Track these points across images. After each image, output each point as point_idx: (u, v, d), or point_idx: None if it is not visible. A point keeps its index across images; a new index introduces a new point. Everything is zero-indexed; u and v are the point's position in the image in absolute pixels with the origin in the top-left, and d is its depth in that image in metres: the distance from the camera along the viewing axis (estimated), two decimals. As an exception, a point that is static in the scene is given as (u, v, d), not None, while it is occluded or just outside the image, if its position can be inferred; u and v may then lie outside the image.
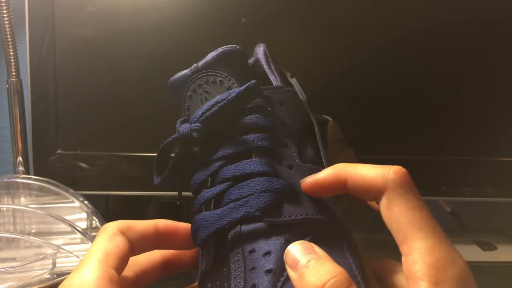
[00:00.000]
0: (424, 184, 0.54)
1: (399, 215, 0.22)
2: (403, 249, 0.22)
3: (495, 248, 0.59)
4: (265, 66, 0.30)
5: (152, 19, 0.53)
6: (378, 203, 0.23)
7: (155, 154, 0.56)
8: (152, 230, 0.27)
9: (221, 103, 0.26)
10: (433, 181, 0.54)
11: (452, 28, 0.53)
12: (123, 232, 0.25)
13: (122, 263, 0.24)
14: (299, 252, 0.21)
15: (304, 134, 0.29)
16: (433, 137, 0.54)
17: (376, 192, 0.23)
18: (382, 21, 0.53)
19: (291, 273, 0.21)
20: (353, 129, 0.54)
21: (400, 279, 0.24)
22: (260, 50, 0.32)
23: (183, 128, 0.27)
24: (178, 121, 0.29)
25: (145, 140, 0.54)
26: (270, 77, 0.31)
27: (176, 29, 0.53)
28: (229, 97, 0.26)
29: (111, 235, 0.25)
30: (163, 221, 0.27)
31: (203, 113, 0.27)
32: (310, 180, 0.25)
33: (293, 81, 0.34)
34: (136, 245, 0.26)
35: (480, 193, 0.54)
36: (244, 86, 0.26)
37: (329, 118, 0.32)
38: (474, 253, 0.57)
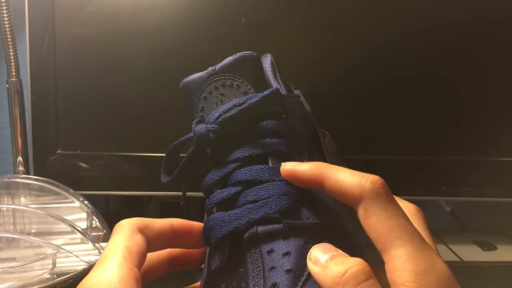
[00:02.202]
0: (424, 184, 0.54)
1: (377, 225, 0.22)
2: (384, 257, 0.22)
3: (495, 248, 0.59)
4: (271, 76, 0.31)
5: (152, 19, 0.53)
6: (355, 209, 0.23)
7: (155, 154, 0.57)
8: (168, 229, 0.26)
9: (241, 107, 0.27)
10: (433, 181, 0.54)
11: (452, 28, 0.53)
12: (141, 230, 0.25)
13: (142, 261, 0.24)
14: (322, 251, 0.22)
15: (311, 143, 0.30)
16: (433, 137, 0.54)
17: (352, 200, 0.23)
18: (382, 21, 0.53)
19: (314, 268, 0.22)
20: (353, 129, 0.55)
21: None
22: (267, 60, 0.32)
23: (199, 128, 0.27)
24: (194, 122, 0.29)
25: (145, 140, 0.54)
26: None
27: (176, 29, 0.53)
28: (250, 101, 0.27)
29: (130, 232, 0.24)
30: (178, 220, 0.27)
31: (220, 115, 0.27)
32: (289, 167, 0.25)
33: (297, 92, 0.34)
34: (153, 243, 0.25)
35: (480, 193, 0.54)
36: (267, 92, 0.27)
37: (326, 132, 0.33)
38: (474, 253, 0.57)
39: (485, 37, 0.53)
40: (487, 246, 0.59)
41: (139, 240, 0.24)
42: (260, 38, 0.53)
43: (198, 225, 0.28)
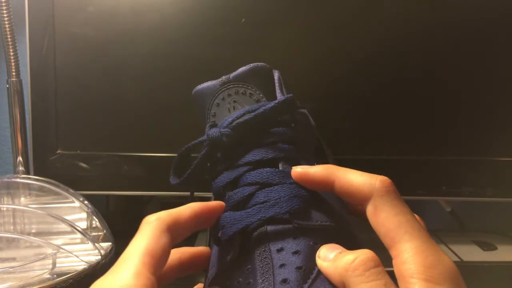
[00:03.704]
0: (424, 184, 0.54)
1: (386, 220, 0.23)
2: (392, 252, 0.22)
3: (495, 248, 0.59)
4: (278, 91, 0.32)
5: (152, 19, 0.53)
6: (363, 208, 0.24)
7: (155, 154, 0.57)
8: (193, 217, 0.25)
9: (255, 112, 0.28)
10: (433, 181, 0.54)
11: (452, 28, 0.53)
12: (170, 229, 0.23)
13: (163, 265, 0.23)
14: (331, 249, 0.23)
15: (316, 154, 0.31)
16: (433, 137, 0.54)
17: (361, 198, 0.24)
18: (383, 21, 0.53)
19: (324, 263, 0.23)
20: (353, 129, 0.55)
21: None
22: (275, 76, 0.33)
23: (213, 132, 0.28)
24: (207, 126, 0.30)
25: (145, 140, 0.54)
26: None
27: (176, 29, 0.53)
28: (264, 107, 0.28)
29: (158, 232, 0.23)
30: (197, 205, 0.26)
31: (233, 120, 0.28)
32: (300, 170, 0.26)
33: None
34: (176, 238, 0.24)
35: (480, 193, 0.54)
36: (282, 98, 0.28)
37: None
38: (474, 253, 0.57)
39: (485, 37, 0.53)
40: (487, 246, 0.59)
41: (165, 243, 0.23)
42: (260, 38, 0.53)
43: (214, 203, 0.27)
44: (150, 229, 0.23)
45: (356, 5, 0.52)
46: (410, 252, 0.21)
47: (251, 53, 0.53)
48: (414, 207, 0.25)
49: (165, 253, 0.23)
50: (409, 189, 0.54)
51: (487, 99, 0.54)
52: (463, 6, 0.52)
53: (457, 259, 0.54)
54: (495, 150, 0.54)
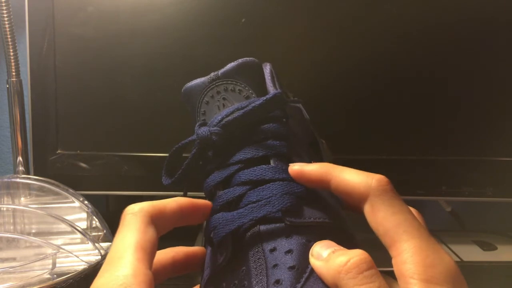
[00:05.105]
0: (424, 184, 0.54)
1: (384, 220, 0.22)
2: (391, 252, 0.22)
3: (495, 248, 0.59)
4: (270, 85, 0.31)
5: (152, 19, 0.53)
6: (360, 207, 0.24)
7: (155, 154, 0.57)
8: (177, 211, 0.25)
9: (243, 110, 0.27)
10: (433, 181, 0.54)
11: (452, 28, 0.53)
12: (154, 220, 0.23)
13: (153, 259, 0.22)
14: (324, 247, 0.23)
15: (310, 148, 0.31)
16: (433, 137, 0.54)
17: (358, 198, 0.24)
18: (383, 21, 0.53)
19: (317, 263, 0.22)
20: (353, 129, 0.55)
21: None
22: (266, 69, 0.33)
23: (202, 131, 0.28)
24: (197, 124, 0.30)
25: (145, 140, 0.54)
26: None
27: (176, 29, 0.53)
28: (253, 104, 0.27)
29: (144, 224, 0.22)
30: (183, 199, 0.26)
31: (222, 118, 0.28)
32: (297, 167, 0.26)
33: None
34: (161, 230, 0.24)
35: (480, 193, 0.54)
36: (270, 95, 0.27)
37: (323, 141, 0.34)
38: (474, 253, 0.57)
39: (485, 37, 0.53)
40: (487, 246, 0.59)
41: (153, 235, 0.23)
42: (260, 38, 0.53)
43: (201, 201, 0.27)
44: (135, 221, 0.23)
45: (356, 6, 0.52)
46: (410, 252, 0.21)
47: (251, 53, 0.52)
48: (414, 207, 0.25)
49: (154, 246, 0.23)
50: (409, 189, 0.54)
51: (487, 99, 0.54)
52: (463, 6, 0.52)
53: (457, 259, 0.54)
54: (495, 150, 0.54)
